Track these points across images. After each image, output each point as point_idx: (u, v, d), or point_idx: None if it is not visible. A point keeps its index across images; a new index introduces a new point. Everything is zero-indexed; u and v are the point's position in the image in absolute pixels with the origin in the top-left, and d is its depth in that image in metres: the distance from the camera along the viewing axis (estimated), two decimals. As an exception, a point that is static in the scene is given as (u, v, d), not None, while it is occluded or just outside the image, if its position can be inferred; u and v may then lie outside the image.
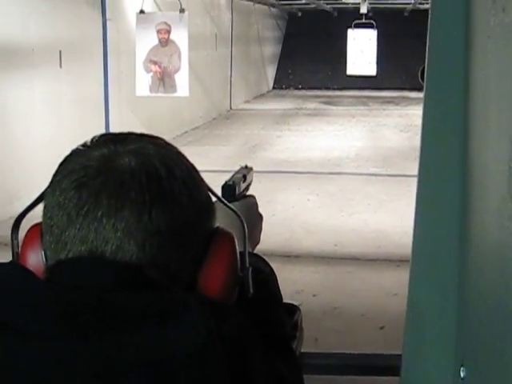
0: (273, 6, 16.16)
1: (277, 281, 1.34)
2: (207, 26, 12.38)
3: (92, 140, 0.99)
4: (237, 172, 1.54)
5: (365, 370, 1.53)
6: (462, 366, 0.99)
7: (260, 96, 17.37)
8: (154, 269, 0.94)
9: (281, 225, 6.30)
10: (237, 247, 1.06)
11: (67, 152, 0.99)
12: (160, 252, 0.94)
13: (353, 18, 13.46)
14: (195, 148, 9.71)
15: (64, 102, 7.51)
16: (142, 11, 8.47)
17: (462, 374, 0.99)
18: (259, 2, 14.69)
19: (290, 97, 17.38)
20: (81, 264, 0.93)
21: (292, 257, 5.68)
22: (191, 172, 1.02)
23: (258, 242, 1.47)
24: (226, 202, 1.13)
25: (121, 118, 8.78)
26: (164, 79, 8.87)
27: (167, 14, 8.61)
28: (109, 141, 0.99)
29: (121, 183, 0.93)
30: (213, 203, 1.07)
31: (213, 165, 7.63)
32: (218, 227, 1.07)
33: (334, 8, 15.45)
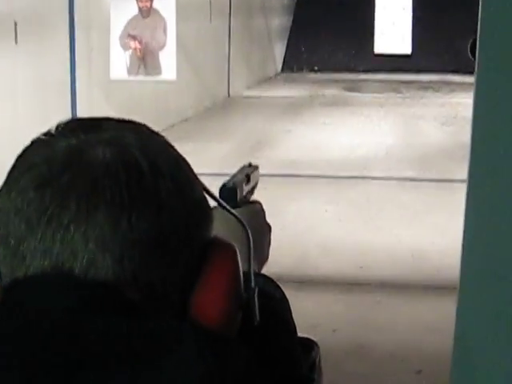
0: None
1: (290, 309, 1.34)
2: (199, -7, 12.41)
3: (57, 128, 0.99)
4: (238, 172, 1.53)
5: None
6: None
7: (266, 80, 17.39)
8: (135, 289, 0.94)
9: (292, 242, 6.31)
10: (239, 263, 1.06)
11: (25, 144, 0.99)
12: (142, 267, 0.94)
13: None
14: (184, 145, 9.56)
15: (20, 85, 7.53)
16: (117, -27, 8.52)
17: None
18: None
19: (303, 81, 17.36)
20: (43, 284, 0.93)
21: (306, 282, 5.68)
22: (182, 167, 1.01)
23: (266, 259, 1.46)
24: (226, 205, 1.13)
25: (90, 106, 8.79)
26: (145, 58, 8.88)
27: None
28: (78, 128, 0.98)
29: (93, 181, 0.93)
30: (209, 207, 1.06)
31: (206, 166, 7.57)
32: (215, 237, 1.06)
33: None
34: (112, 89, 9.12)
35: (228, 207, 1.13)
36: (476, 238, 1.09)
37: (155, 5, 8.71)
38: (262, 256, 1.45)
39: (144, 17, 8.74)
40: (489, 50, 1.03)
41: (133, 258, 0.93)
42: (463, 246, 1.09)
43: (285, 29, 19.06)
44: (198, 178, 1.04)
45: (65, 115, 6.46)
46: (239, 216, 1.39)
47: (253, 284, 1.09)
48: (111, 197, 0.93)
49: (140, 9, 8.71)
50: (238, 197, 1.47)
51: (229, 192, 1.45)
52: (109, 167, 0.94)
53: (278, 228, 6.45)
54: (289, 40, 19.21)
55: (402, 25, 13.85)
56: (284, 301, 1.33)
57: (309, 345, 1.53)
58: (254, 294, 1.10)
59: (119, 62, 8.63)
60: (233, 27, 14.79)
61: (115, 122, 1.02)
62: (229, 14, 14.50)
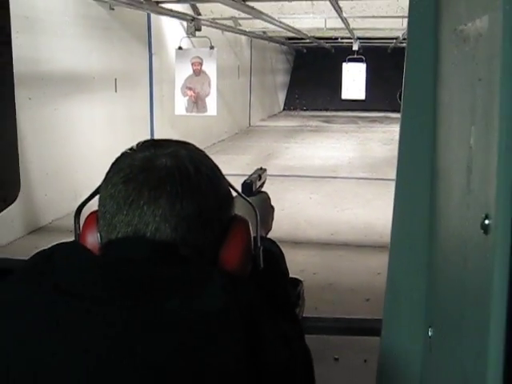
0: (283, 44, 16.14)
1: (284, 260, 1.33)
2: (232, 60, 12.37)
3: (137, 145, 1.00)
4: (254, 173, 1.53)
5: (353, 331, 1.54)
6: (430, 327, 0.99)
7: (273, 115, 17.34)
8: (184, 247, 0.94)
9: (289, 218, 6.29)
10: (251, 231, 1.06)
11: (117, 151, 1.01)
12: (189, 233, 0.94)
13: (347, 54, 13.39)
14: (221, 156, 9.68)
15: (118, 119, 7.53)
16: (180, 48, 8.49)
17: (429, 334, 0.99)
18: (272, 41, 14.66)
19: (296, 116, 17.34)
20: (127, 242, 0.93)
21: (297, 243, 5.67)
22: (215, 171, 1.02)
23: (270, 229, 1.45)
24: (243, 195, 1.13)
25: (162, 133, 8.77)
26: (197, 102, 8.87)
27: (200, 50, 8.61)
28: (150, 145, 1.00)
29: (159, 179, 0.93)
30: (232, 196, 1.06)
31: (235, 170, 7.60)
32: (236, 215, 1.06)
33: (332, 46, 15.39)
34: (176, 121, 9.10)
35: (244, 196, 1.13)
36: (400, 215, 1.09)
37: (203, 68, 8.68)
38: (268, 227, 1.45)
39: (196, 75, 8.72)
40: (409, 95, 1.04)
41: (183, 228, 0.94)
42: (393, 220, 1.09)
43: (285, 83, 19.06)
44: (225, 178, 1.05)
45: (146, 137, 6.43)
46: (252, 201, 1.40)
47: (259, 244, 1.10)
48: (170, 189, 0.93)
49: (194, 70, 8.69)
50: (253, 189, 1.47)
51: (247, 185, 1.45)
52: (169, 171, 0.95)
53: (280, 209, 6.46)
54: (288, 90, 19.20)
55: (359, 81, 13.80)
56: (281, 254, 1.33)
57: (296, 282, 1.52)
58: (260, 250, 1.10)
59: (181, 103, 8.63)
60: (252, 82, 14.75)
61: (174, 142, 1.03)
62: (250, 74, 14.46)
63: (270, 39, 13.95)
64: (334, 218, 6.70)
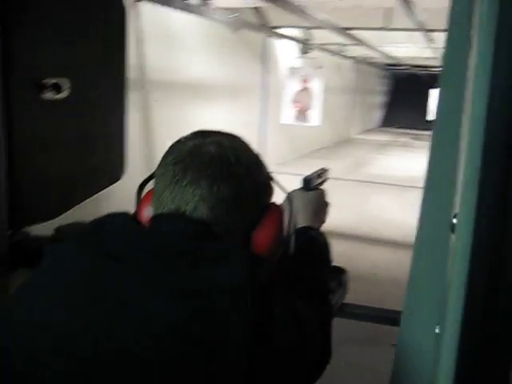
0: (383, 69, 15.84)
1: (329, 250, 1.28)
2: (337, 79, 12.23)
3: (189, 134, 0.99)
4: (316, 171, 1.48)
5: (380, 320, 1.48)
6: (438, 324, 0.91)
7: (369, 130, 17.06)
8: (218, 226, 0.91)
9: (369, 219, 6.15)
10: (284, 218, 1.02)
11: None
12: (224, 214, 0.91)
13: (435, 80, 12.92)
14: (321, 161, 9.60)
15: (234, 124, 7.58)
16: (291, 67, 8.50)
17: (437, 331, 0.90)
18: (375, 66, 14.42)
19: (389, 132, 16.98)
20: (169, 218, 0.92)
21: (375, 241, 5.50)
22: (254, 162, 1.00)
23: (323, 222, 1.39)
24: (282, 186, 1.09)
25: (271, 138, 8.79)
26: (304, 113, 8.85)
27: (309, 69, 8.56)
28: (199, 134, 0.98)
29: (202, 164, 0.92)
30: (271, 185, 1.03)
31: (334, 173, 7.55)
32: (273, 202, 1.03)
33: (424, 73, 15.00)
34: (283, 129, 9.09)
35: (281, 185, 1.08)
36: (426, 219, 1.00)
37: (310, 85, 8.64)
38: (321, 219, 1.39)
39: (303, 90, 8.69)
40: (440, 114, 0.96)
41: (219, 209, 0.91)
42: (418, 223, 1.02)
43: (382, 103, 18.70)
44: (266, 169, 1.02)
45: (260, 142, 6.52)
46: (308, 195, 1.35)
47: (291, 231, 1.05)
48: (210, 173, 0.91)
49: (302, 86, 8.67)
50: (311, 185, 1.42)
51: (306, 181, 1.41)
52: (212, 157, 0.93)
53: (362, 211, 6.37)
54: (384, 109, 18.85)
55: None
56: (326, 245, 1.27)
57: (340, 270, 1.45)
58: (292, 237, 1.05)
59: (288, 114, 8.63)
60: (354, 100, 14.57)
61: (221, 133, 1.00)
62: (352, 93, 14.30)
63: (371, 64, 13.72)
64: (411, 222, 6.45)
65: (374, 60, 12.20)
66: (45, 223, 1.69)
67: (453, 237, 0.46)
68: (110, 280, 0.83)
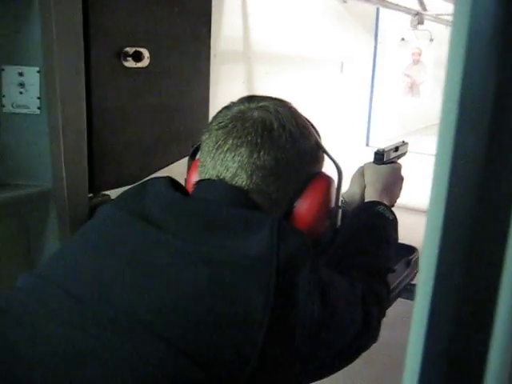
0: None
1: (396, 227, 1.23)
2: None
3: (238, 99, 0.98)
4: (394, 144, 1.42)
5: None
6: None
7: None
8: (258, 195, 0.90)
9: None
10: (333, 189, 0.99)
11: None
12: (263, 182, 0.91)
13: None
14: (432, 138, 9.22)
15: (342, 96, 7.45)
16: (402, 39, 8.20)
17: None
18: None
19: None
20: (208, 184, 0.92)
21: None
22: (300, 128, 0.97)
23: (397, 197, 1.34)
24: (329, 154, 1.04)
25: (379, 112, 8.57)
26: (412, 88, 8.57)
27: (420, 42, 8.24)
28: (246, 99, 0.98)
29: (243, 129, 0.91)
30: (318, 154, 1.00)
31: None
32: (320, 172, 1.00)
33: None
34: (392, 103, 8.82)
35: (329, 154, 1.03)
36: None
37: (422, 58, 8.33)
38: (395, 196, 1.34)
39: (414, 64, 8.39)
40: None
41: (258, 176, 0.90)
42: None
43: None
44: (314, 137, 0.99)
45: (364, 115, 6.38)
46: (380, 169, 1.31)
47: (339, 204, 1.01)
48: (251, 139, 0.90)
49: (413, 60, 8.38)
50: (384, 159, 1.36)
51: (378, 154, 1.36)
52: (254, 123, 0.92)
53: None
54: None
55: None
56: (394, 220, 1.22)
57: (411, 248, 1.40)
58: (338, 210, 1.01)
59: (398, 88, 8.41)
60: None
61: (269, 98, 0.99)
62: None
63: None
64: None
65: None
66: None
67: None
68: (142, 241, 0.85)
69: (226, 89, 4.17)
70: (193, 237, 0.82)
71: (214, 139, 0.92)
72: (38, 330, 0.78)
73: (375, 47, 8.34)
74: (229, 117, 0.93)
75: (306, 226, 0.92)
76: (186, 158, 2.10)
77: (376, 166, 1.32)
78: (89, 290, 0.81)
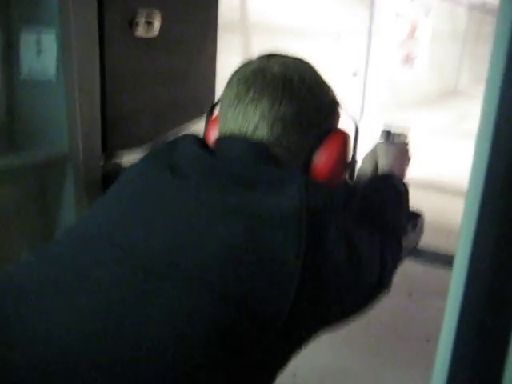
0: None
1: (408, 198, 1.27)
2: (446, 27, 11.61)
3: (258, 56, 1.01)
4: (399, 125, 1.46)
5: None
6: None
7: (481, 81, 16.13)
8: (278, 147, 0.93)
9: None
10: (349, 144, 1.02)
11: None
12: (284, 134, 0.93)
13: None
14: (425, 113, 9.23)
15: (338, 66, 7.43)
16: (398, 13, 8.19)
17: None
18: (490, 14, 13.49)
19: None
20: (231, 140, 0.95)
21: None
22: (319, 82, 1.01)
23: (405, 175, 1.37)
24: (349, 113, 1.07)
25: (374, 84, 8.56)
26: (407, 61, 8.57)
27: (416, 16, 8.24)
28: (266, 56, 1.00)
29: (264, 83, 0.94)
30: (336, 109, 1.03)
31: (435, 127, 7.29)
32: (338, 128, 1.03)
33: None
34: (386, 77, 8.82)
35: (348, 112, 1.06)
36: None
37: (417, 31, 8.33)
38: (403, 172, 1.37)
39: (410, 37, 8.39)
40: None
41: (279, 128, 0.93)
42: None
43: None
44: (332, 92, 1.02)
45: (360, 90, 6.31)
46: (388, 146, 1.33)
47: (356, 158, 1.05)
48: (272, 91, 0.93)
49: (408, 32, 8.38)
50: (390, 138, 1.40)
51: (385, 133, 1.40)
52: (275, 76, 0.95)
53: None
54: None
55: None
56: (406, 191, 1.26)
57: (416, 215, 1.44)
58: (354, 164, 1.05)
59: (393, 60, 8.41)
60: (465, 50, 13.80)
61: (289, 56, 1.02)
62: (463, 42, 13.52)
63: (488, 12, 12.87)
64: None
65: (490, 7, 11.44)
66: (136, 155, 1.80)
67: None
68: (170, 193, 0.88)
69: (224, 59, 4.18)
70: (224, 192, 0.85)
71: (236, 92, 0.94)
72: (88, 279, 0.80)
73: (371, 20, 8.31)
74: (250, 71, 0.95)
75: (323, 179, 0.96)
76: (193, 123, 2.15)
77: (385, 144, 1.36)
78: (134, 242, 0.83)
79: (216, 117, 1.05)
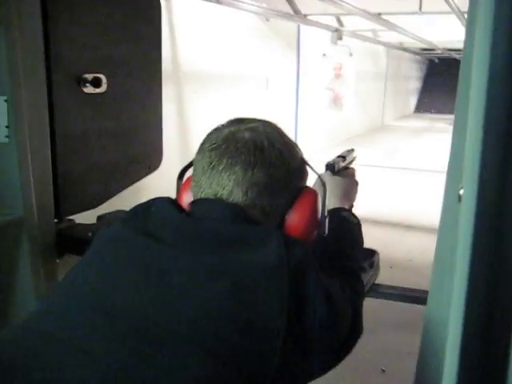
0: (417, 54, 15.57)
1: (361, 231, 1.30)
2: (369, 66, 12.13)
3: (226, 122, 1.03)
4: (342, 153, 1.50)
5: (412, 300, 1.51)
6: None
7: (404, 116, 16.82)
8: (253, 209, 0.95)
9: (404, 204, 6.12)
10: (318, 201, 1.05)
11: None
12: (258, 197, 0.95)
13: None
14: (356, 148, 9.49)
15: (269, 111, 7.59)
16: (324, 54, 8.45)
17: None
18: (407, 51, 14.20)
19: (425, 118, 16.68)
20: (207, 202, 0.96)
21: (409, 227, 5.48)
22: (288, 146, 1.03)
23: (353, 201, 1.42)
24: (315, 170, 1.11)
25: (305, 125, 8.79)
26: (336, 101, 8.81)
27: (340, 57, 8.52)
28: (235, 121, 1.03)
29: (236, 149, 0.96)
30: (304, 169, 1.06)
31: (369, 159, 7.53)
32: (307, 186, 1.07)
33: (460, 57, 14.72)
34: (317, 117, 9.07)
35: (313, 168, 1.11)
36: (448, 201, 1.03)
37: (343, 72, 8.60)
38: (352, 199, 1.42)
39: (336, 78, 8.65)
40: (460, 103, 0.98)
41: (253, 192, 0.95)
42: (442, 205, 1.05)
43: (417, 89, 18.40)
44: (300, 154, 1.05)
45: (292, 131, 6.45)
46: (335, 178, 1.36)
47: (325, 214, 1.08)
48: (244, 158, 0.95)
49: (335, 74, 8.63)
50: (336, 169, 1.44)
51: (329, 166, 1.44)
52: (246, 143, 0.97)
53: (396, 197, 6.32)
54: (419, 95, 18.53)
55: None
56: (358, 225, 1.30)
57: (372, 252, 1.48)
58: (325, 219, 1.08)
59: (322, 101, 8.63)
60: (387, 87, 14.40)
61: (257, 119, 1.04)
62: (385, 79, 14.12)
63: (405, 50, 13.52)
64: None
65: (407, 45, 12.04)
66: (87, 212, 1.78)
67: (459, 206, 0.51)
68: (152, 257, 0.89)
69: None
70: (206, 253, 0.87)
71: (208, 160, 0.96)
72: (82, 349, 0.79)
73: (298, 63, 8.58)
74: (221, 138, 0.97)
75: (297, 235, 0.99)
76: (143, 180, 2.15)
77: (330, 176, 1.40)
78: (123, 309, 0.83)
79: (188, 180, 1.06)
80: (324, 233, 1.08)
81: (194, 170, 1.01)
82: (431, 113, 17.52)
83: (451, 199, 1.03)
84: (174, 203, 1.00)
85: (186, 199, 1.04)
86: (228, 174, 0.94)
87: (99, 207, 1.81)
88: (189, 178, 1.06)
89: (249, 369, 0.79)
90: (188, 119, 5.56)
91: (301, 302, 0.85)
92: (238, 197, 0.94)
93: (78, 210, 1.68)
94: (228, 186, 0.94)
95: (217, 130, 1.01)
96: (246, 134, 0.97)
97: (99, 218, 1.77)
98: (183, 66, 5.44)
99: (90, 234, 1.61)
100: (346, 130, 11.07)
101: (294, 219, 1.00)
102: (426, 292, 1.50)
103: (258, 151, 0.95)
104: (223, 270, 0.85)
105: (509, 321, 0.55)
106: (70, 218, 1.71)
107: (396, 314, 3.30)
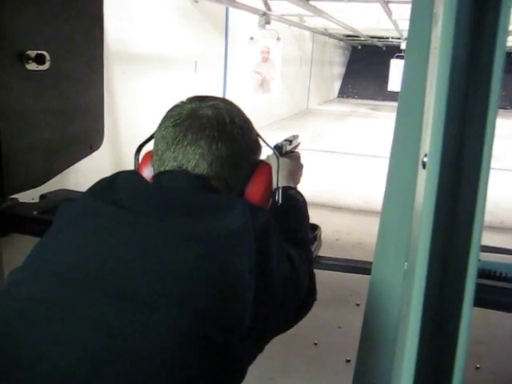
0: (341, 40, 15.90)
1: (306, 207, 1.37)
2: (295, 51, 12.27)
3: (187, 99, 1.08)
4: (287, 138, 1.57)
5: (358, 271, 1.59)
6: (406, 261, 1.03)
7: (328, 101, 17.13)
8: (217, 181, 1.00)
9: (329, 187, 6.29)
10: (273, 173, 1.11)
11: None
12: (222, 170, 1.01)
13: (395, 51, 13.01)
14: (281, 132, 9.63)
15: (197, 92, 7.55)
16: (251, 38, 8.49)
17: (405, 267, 1.03)
18: (332, 37, 14.46)
19: (348, 103, 17.07)
20: (172, 174, 1.00)
21: (336, 208, 5.64)
22: (246, 122, 1.09)
23: (298, 182, 1.49)
24: (268, 144, 1.18)
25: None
26: (263, 84, 8.87)
27: (268, 41, 8.59)
28: (196, 99, 1.07)
29: (200, 125, 1.00)
30: (259, 144, 1.12)
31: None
32: (262, 160, 1.12)
33: (383, 44, 15.12)
34: (244, 99, 9.10)
35: (269, 145, 1.18)
36: (392, 178, 1.10)
37: (270, 56, 8.67)
38: (297, 180, 1.49)
39: (263, 62, 8.71)
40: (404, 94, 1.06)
41: (217, 165, 1.00)
42: (386, 184, 1.11)
43: (340, 74, 18.76)
44: (255, 129, 1.11)
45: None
46: (283, 159, 1.43)
47: (278, 185, 1.15)
48: (208, 133, 1.00)
49: (262, 57, 8.69)
50: (283, 151, 1.51)
51: (277, 148, 1.50)
52: (209, 119, 1.01)
53: (322, 180, 6.49)
54: (342, 80, 18.90)
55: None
56: (304, 202, 1.37)
57: (315, 226, 1.56)
58: (279, 189, 1.15)
59: (249, 85, 8.66)
60: (312, 72, 14.61)
61: (216, 97, 1.08)
62: (310, 64, 14.33)
63: (330, 35, 13.76)
64: (368, 189, 6.60)
65: (332, 31, 12.25)
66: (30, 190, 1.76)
67: (423, 172, 0.56)
68: (122, 225, 0.91)
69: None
70: (177, 220, 0.91)
71: (173, 135, 1.00)
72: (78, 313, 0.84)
73: (226, 46, 8.58)
74: (184, 114, 1.01)
75: (256, 204, 1.04)
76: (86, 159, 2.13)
77: (278, 157, 1.48)
78: (107, 274, 0.87)
79: (148, 155, 1.09)
80: (278, 202, 1.15)
81: (156, 145, 1.04)
82: (354, 98, 17.97)
83: (396, 178, 1.11)
84: (139, 175, 1.03)
85: (147, 174, 1.07)
86: (193, 148, 0.98)
87: (41, 186, 1.79)
88: (148, 153, 1.09)
89: (227, 320, 0.85)
90: (115, 100, 5.47)
91: (266, 261, 0.91)
92: (202, 169, 0.99)
93: (21, 188, 1.66)
94: (193, 159, 0.98)
95: (178, 106, 1.05)
96: (209, 111, 1.01)
97: (42, 196, 1.76)
98: (111, 45, 5.34)
99: (35, 213, 1.60)
100: (271, 114, 11.18)
101: (253, 190, 1.06)
102: (366, 263, 1.60)
103: (221, 126, 1.00)
104: (195, 235, 0.89)
105: (460, 279, 0.62)
106: (13, 196, 1.69)
107: (329, 290, 3.43)
